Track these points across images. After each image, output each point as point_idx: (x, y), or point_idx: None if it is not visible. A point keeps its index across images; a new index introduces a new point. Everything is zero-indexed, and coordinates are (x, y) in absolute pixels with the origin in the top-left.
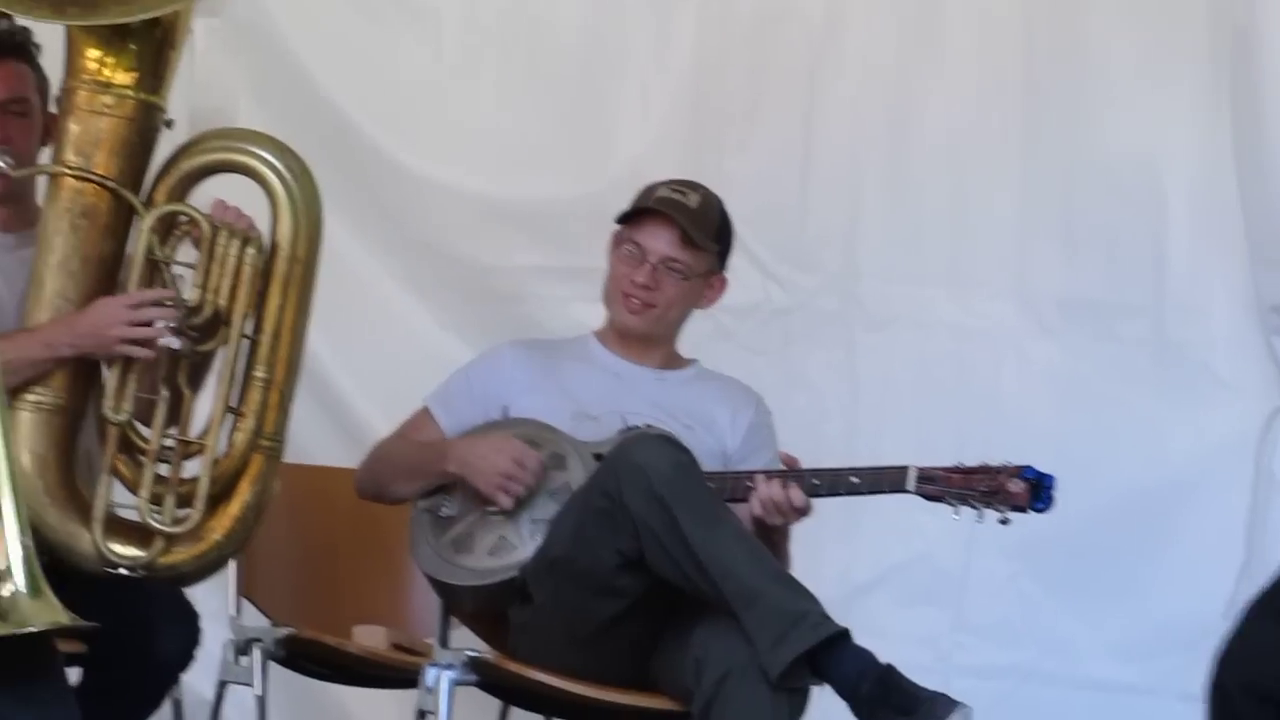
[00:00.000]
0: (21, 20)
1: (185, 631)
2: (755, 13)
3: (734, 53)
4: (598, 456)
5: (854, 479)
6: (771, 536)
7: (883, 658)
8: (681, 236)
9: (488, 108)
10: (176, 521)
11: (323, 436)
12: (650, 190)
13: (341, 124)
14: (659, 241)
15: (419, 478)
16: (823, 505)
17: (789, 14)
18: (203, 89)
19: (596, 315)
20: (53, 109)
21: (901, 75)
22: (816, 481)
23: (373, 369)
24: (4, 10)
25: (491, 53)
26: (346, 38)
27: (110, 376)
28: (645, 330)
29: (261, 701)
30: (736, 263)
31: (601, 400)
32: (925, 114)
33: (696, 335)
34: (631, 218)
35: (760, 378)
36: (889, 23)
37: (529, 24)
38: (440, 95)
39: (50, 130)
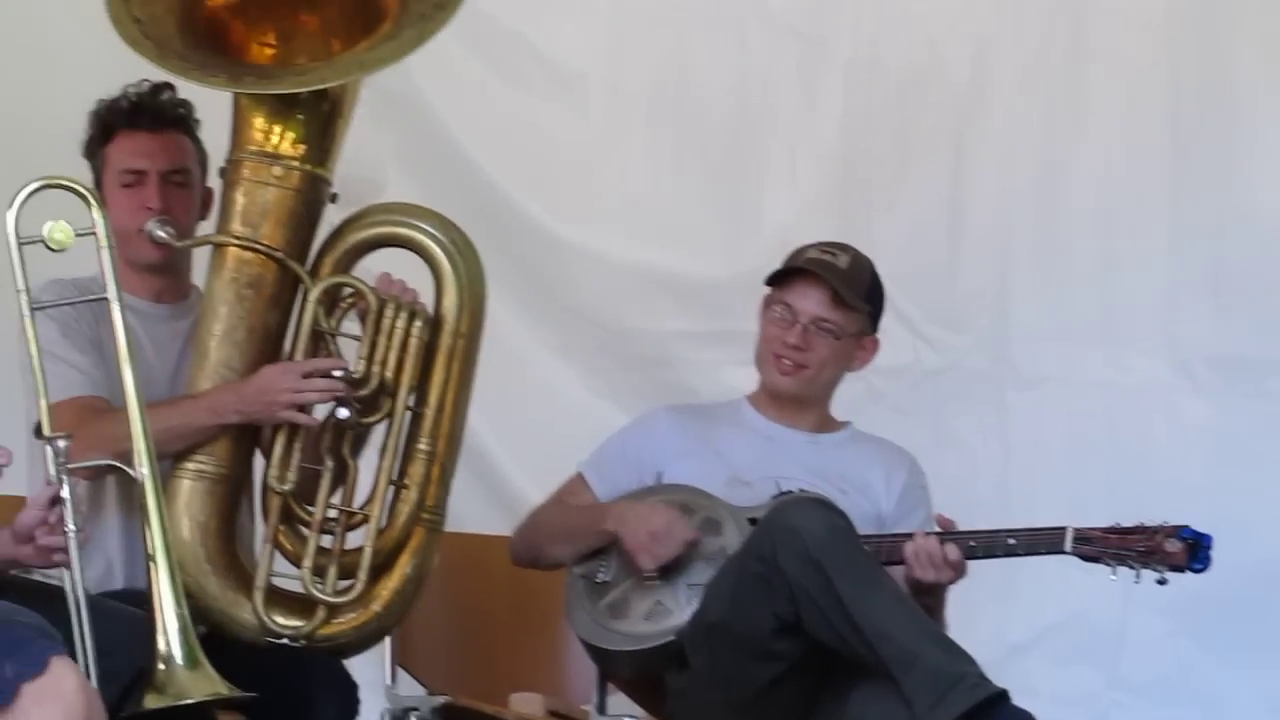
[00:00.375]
0: (196, 87)
1: (343, 701)
2: (902, 75)
3: (881, 115)
4: (752, 521)
5: (1010, 540)
6: (927, 599)
7: (1040, 718)
8: (832, 296)
9: (636, 174)
10: (338, 592)
11: (476, 504)
12: (800, 252)
13: (489, 192)
14: (809, 302)
15: (577, 539)
16: (977, 566)
17: (935, 76)
18: (351, 160)
19: (749, 379)
20: (210, 183)
21: (1048, 133)
22: (973, 543)
23: (525, 436)
24: (181, 79)
25: (639, 118)
26: (493, 106)
27: (275, 446)
28: (797, 392)
29: None
30: (886, 324)
31: (755, 465)
32: (1072, 171)
33: (848, 397)
34: (781, 279)
35: (912, 439)
36: (1035, 82)
37: (676, 90)
38: (588, 162)
39: (208, 203)
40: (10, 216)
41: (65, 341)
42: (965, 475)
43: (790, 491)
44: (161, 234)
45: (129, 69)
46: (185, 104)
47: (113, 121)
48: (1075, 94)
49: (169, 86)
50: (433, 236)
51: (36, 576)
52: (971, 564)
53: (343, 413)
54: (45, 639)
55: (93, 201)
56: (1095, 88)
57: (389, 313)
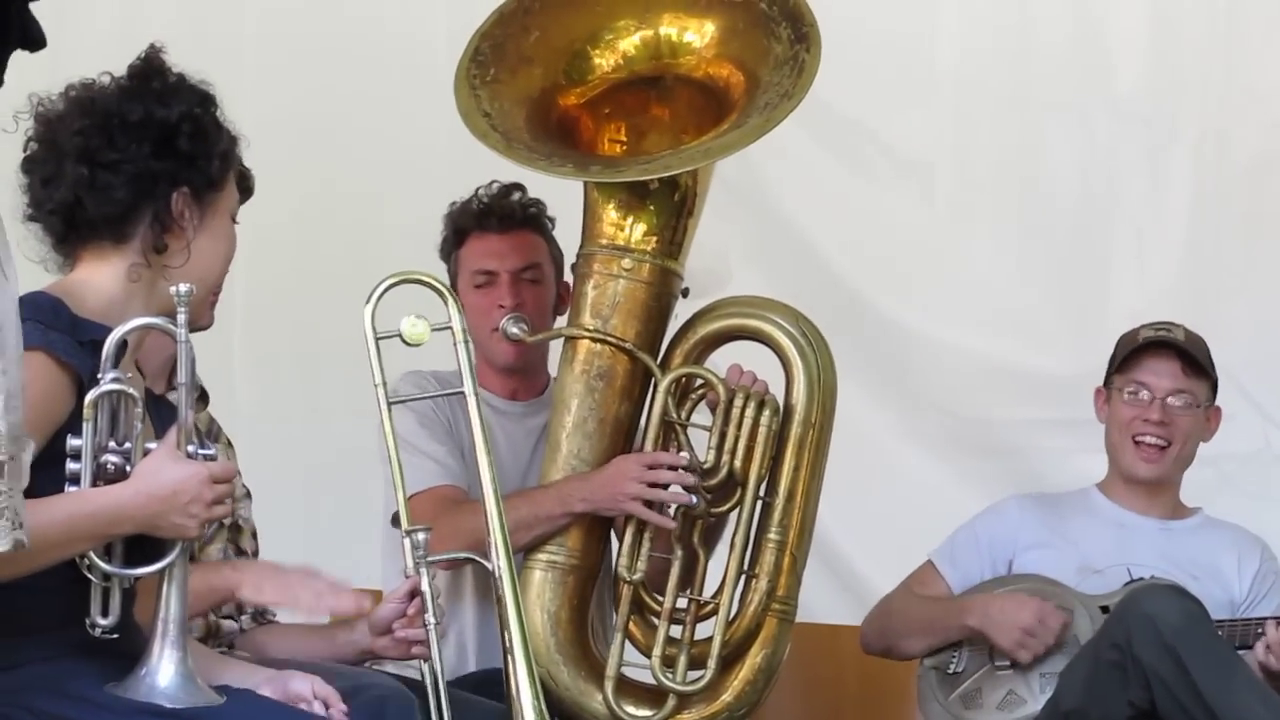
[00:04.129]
0: (547, 179)
1: None
2: (1250, 158)
3: (1229, 198)
4: (1104, 609)
5: None
6: None
7: None
8: (1184, 365)
9: (982, 261)
10: (688, 682)
11: (824, 593)
12: (1133, 334)
13: (834, 280)
14: (1163, 376)
15: (934, 633)
16: None
17: None
18: (695, 250)
19: (1099, 466)
20: (567, 278)
21: None
22: None
23: (873, 524)
24: (528, 169)
25: (985, 206)
26: (837, 194)
27: (625, 535)
28: (1159, 475)
29: None
30: (1236, 409)
31: (1107, 553)
32: None
33: (1198, 482)
34: (1125, 362)
35: (1263, 524)
36: None
37: (1021, 176)
38: (934, 250)
39: (564, 300)
40: (367, 312)
41: (423, 432)
42: None
43: (1142, 579)
44: (515, 330)
45: (476, 163)
46: (536, 203)
47: (464, 224)
48: None
49: (518, 187)
50: (782, 329)
51: (389, 668)
52: None
53: (689, 499)
54: None
55: (448, 296)
56: None
57: (739, 403)
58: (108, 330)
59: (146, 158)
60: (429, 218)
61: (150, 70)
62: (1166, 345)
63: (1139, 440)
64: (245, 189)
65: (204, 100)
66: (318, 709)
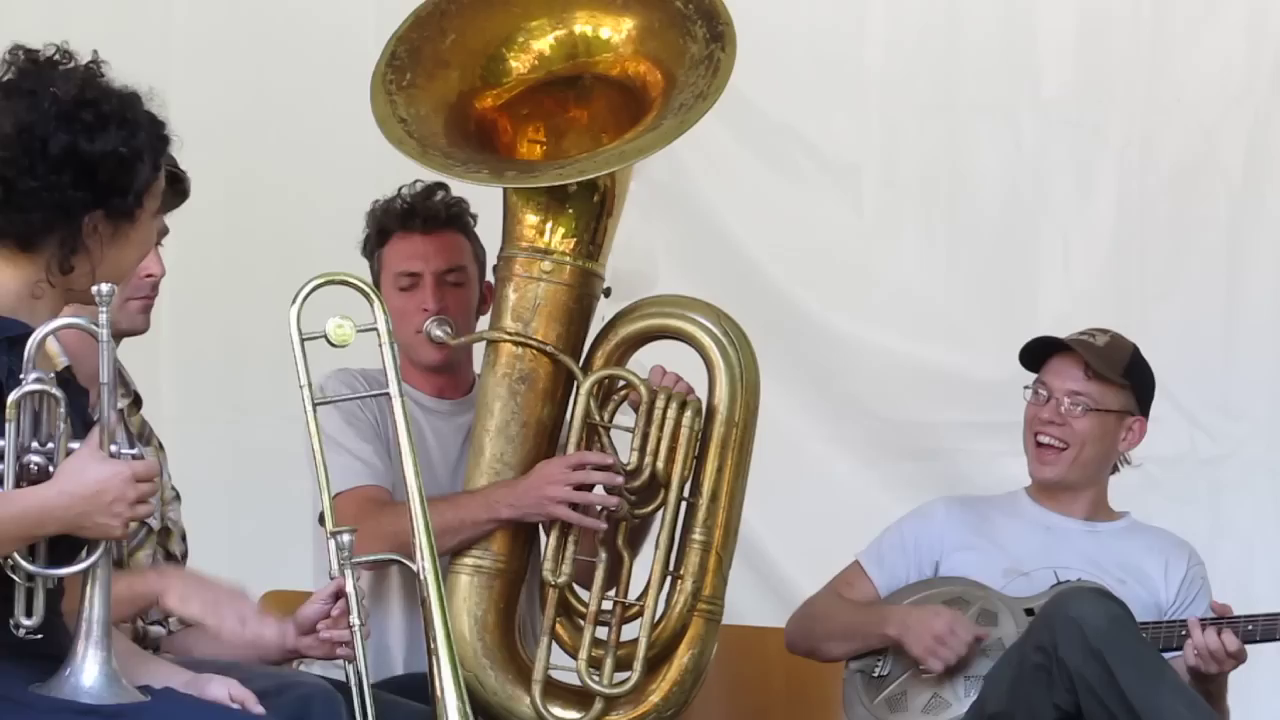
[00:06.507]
0: (459, 185)
1: None
2: (1176, 160)
3: (1155, 203)
4: (1029, 612)
5: None
6: (1208, 687)
7: None
8: (1085, 369)
9: (908, 264)
10: (615, 684)
11: (751, 596)
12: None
13: (761, 283)
14: (1063, 377)
15: (856, 639)
16: (1256, 653)
17: (1207, 164)
18: (621, 251)
19: (1025, 469)
20: (489, 277)
21: None
22: (1251, 627)
23: (798, 526)
24: (443, 175)
25: (911, 209)
26: (765, 198)
27: (550, 539)
28: (1059, 478)
29: None
30: (1163, 412)
31: (1033, 556)
32: None
33: (1125, 486)
34: (1039, 363)
35: (1189, 528)
36: None
37: (948, 180)
38: (860, 253)
39: (487, 298)
40: (293, 312)
41: (350, 430)
42: (1243, 564)
43: (1069, 581)
44: (439, 333)
45: (403, 161)
46: (459, 202)
47: (387, 224)
48: None
49: (442, 186)
50: (704, 328)
51: (316, 669)
52: (1251, 651)
53: (612, 503)
54: None
55: (374, 298)
56: None
57: (661, 403)
58: (26, 327)
59: (66, 187)
60: (357, 215)
61: (84, 100)
62: (1073, 348)
63: (1039, 441)
64: (181, 192)
65: (130, 135)
66: None
